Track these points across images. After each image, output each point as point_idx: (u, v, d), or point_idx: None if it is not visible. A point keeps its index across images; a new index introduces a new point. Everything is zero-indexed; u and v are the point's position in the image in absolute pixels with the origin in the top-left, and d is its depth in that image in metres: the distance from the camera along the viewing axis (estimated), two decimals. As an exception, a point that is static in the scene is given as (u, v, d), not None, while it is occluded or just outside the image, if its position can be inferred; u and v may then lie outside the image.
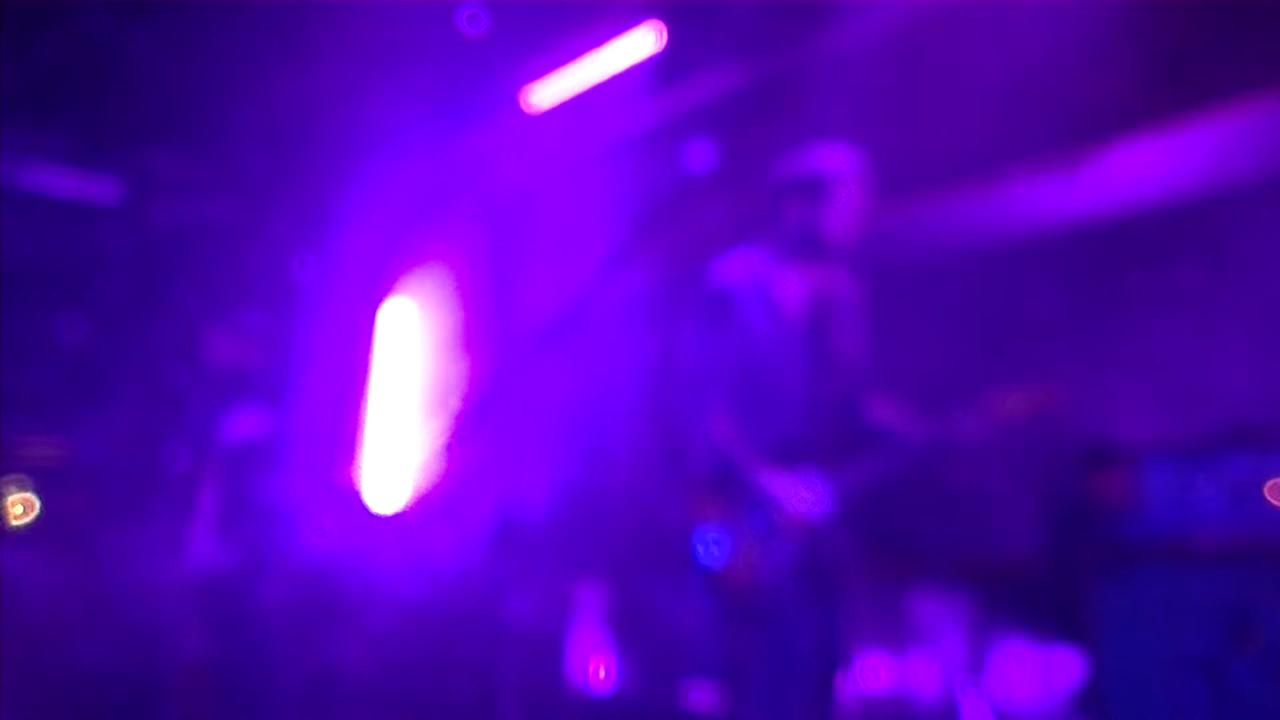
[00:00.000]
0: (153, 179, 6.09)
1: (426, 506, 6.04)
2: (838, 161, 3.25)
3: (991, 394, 3.16)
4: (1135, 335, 5.15)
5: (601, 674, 5.30)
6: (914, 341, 5.46)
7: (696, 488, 3.11)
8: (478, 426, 6.22)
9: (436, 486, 6.09)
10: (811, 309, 3.20)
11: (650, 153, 5.59)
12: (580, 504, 5.65)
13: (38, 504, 5.71)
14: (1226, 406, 4.75)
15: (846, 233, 3.22)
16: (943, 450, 3.12)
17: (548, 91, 5.60)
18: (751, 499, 3.02)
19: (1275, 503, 4.57)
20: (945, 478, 4.86)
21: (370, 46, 5.07)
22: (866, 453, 3.13)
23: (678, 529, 3.15)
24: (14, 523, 5.63)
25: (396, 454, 6.38)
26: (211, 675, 4.44)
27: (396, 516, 6.10)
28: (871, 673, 4.45)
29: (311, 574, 4.81)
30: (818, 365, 3.16)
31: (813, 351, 3.16)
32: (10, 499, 5.66)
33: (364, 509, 6.04)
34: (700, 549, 3.04)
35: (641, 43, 5.18)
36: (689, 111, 5.44)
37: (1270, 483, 4.59)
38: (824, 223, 3.18)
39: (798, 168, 3.26)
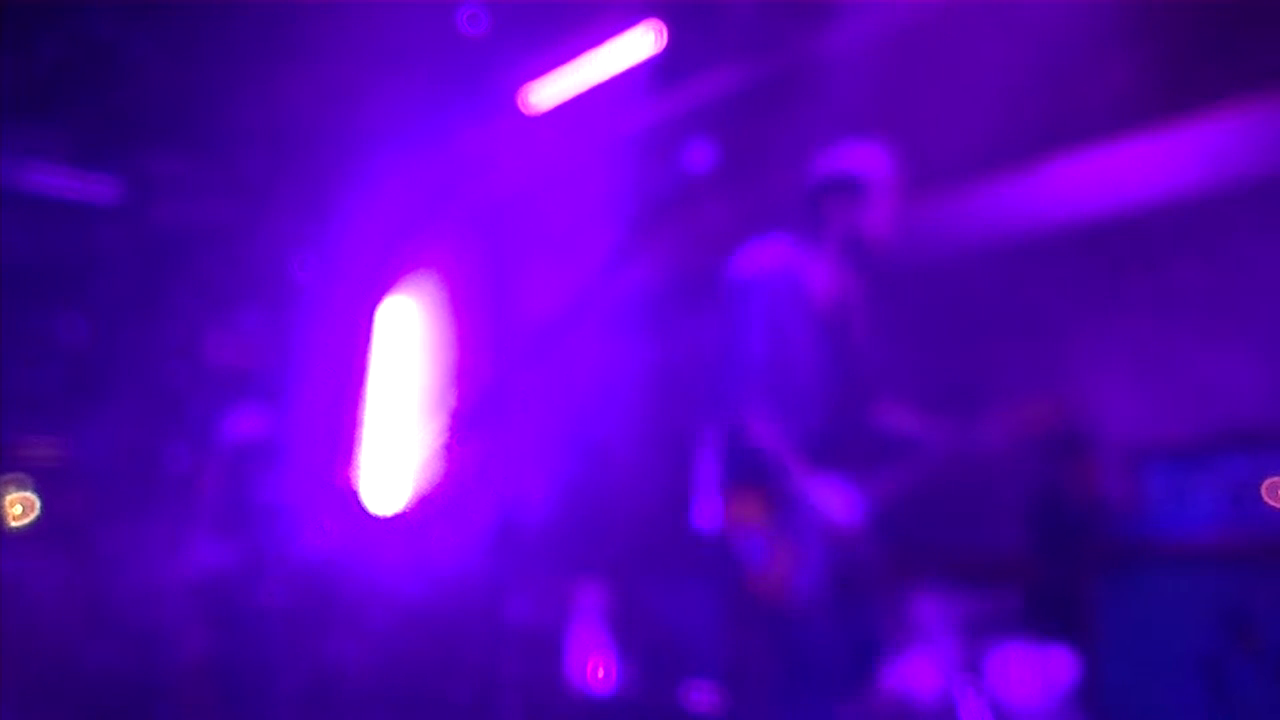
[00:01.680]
0: (153, 179, 6.09)
1: (426, 507, 6.04)
2: (877, 162, 3.15)
3: (1009, 403, 3.08)
4: (1135, 335, 5.15)
5: (601, 674, 5.30)
6: (912, 341, 5.46)
7: (731, 488, 2.96)
8: (478, 426, 6.22)
9: (436, 487, 6.09)
10: (837, 309, 3.12)
11: (650, 153, 5.59)
12: (580, 504, 5.65)
13: (38, 504, 5.71)
14: (1226, 406, 4.76)
15: (883, 236, 3.13)
16: (960, 459, 3.06)
17: (547, 91, 5.60)
18: (790, 501, 2.91)
19: (1274, 503, 4.57)
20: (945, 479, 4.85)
21: (370, 47, 5.07)
22: (892, 461, 3.07)
23: (705, 529, 3.05)
24: (14, 523, 5.63)
25: (396, 454, 6.38)
26: (211, 675, 4.44)
27: (396, 517, 6.10)
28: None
29: (311, 574, 4.81)
30: (840, 366, 3.08)
31: (836, 351, 3.07)
32: (10, 499, 5.66)
33: (364, 509, 6.04)
34: (733, 550, 2.91)
35: (641, 43, 5.18)
36: (689, 111, 5.44)
37: (1269, 482, 4.59)
38: (863, 225, 3.10)
39: (838, 167, 3.15)
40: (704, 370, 3.23)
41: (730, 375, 3.00)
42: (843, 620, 2.94)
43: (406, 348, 6.61)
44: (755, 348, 2.98)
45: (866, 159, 3.16)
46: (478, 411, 6.28)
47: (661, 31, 5.10)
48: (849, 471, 3.00)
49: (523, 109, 5.69)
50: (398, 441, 6.41)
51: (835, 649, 2.93)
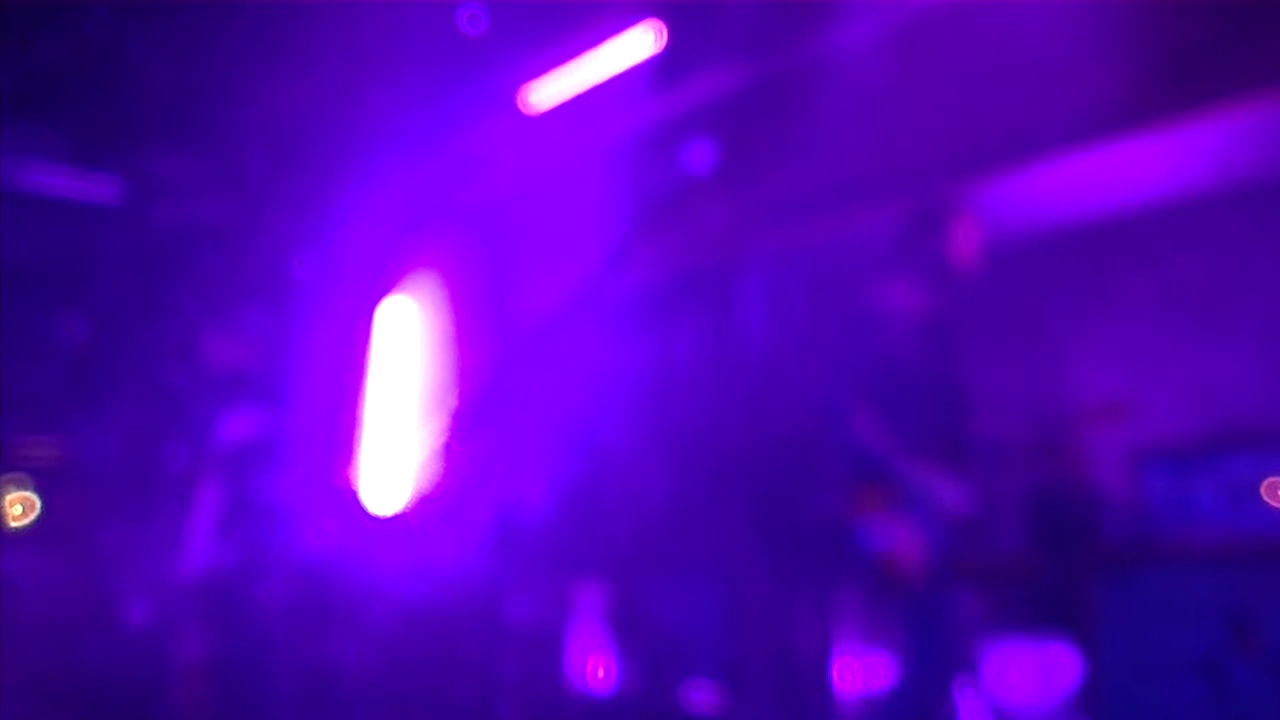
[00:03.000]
0: (153, 179, 6.08)
1: (426, 507, 6.03)
2: (959, 201, 3.61)
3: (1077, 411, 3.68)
4: (1135, 335, 5.15)
5: (601, 674, 5.30)
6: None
7: (853, 482, 3.33)
8: (477, 427, 6.22)
9: (436, 487, 6.08)
10: (936, 330, 3.56)
11: (650, 153, 5.59)
12: (580, 504, 5.65)
13: (38, 504, 5.71)
14: (1226, 406, 4.76)
15: (970, 264, 3.58)
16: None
17: (547, 91, 5.60)
18: (910, 491, 3.27)
19: (1274, 503, 4.57)
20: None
21: (370, 47, 5.07)
22: (977, 461, 3.46)
23: (834, 520, 3.40)
24: (14, 523, 5.63)
25: (396, 454, 6.38)
26: (211, 675, 4.44)
27: (396, 517, 6.10)
28: (871, 673, 4.45)
29: (311, 574, 4.81)
30: (940, 380, 3.50)
31: (935, 368, 3.50)
32: (10, 499, 5.66)
33: (363, 510, 6.04)
34: (861, 538, 3.28)
35: (641, 43, 5.18)
36: (689, 111, 5.44)
37: (1269, 482, 4.59)
38: (953, 255, 3.56)
39: (925, 206, 3.61)
40: (814, 384, 3.61)
41: (844, 387, 3.40)
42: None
43: (406, 348, 6.61)
44: (863, 363, 3.40)
45: (949, 200, 3.66)
46: (478, 412, 6.28)
47: (661, 31, 5.09)
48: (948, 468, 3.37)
49: (523, 109, 5.69)
50: (398, 441, 6.41)
51: (955, 621, 3.32)
